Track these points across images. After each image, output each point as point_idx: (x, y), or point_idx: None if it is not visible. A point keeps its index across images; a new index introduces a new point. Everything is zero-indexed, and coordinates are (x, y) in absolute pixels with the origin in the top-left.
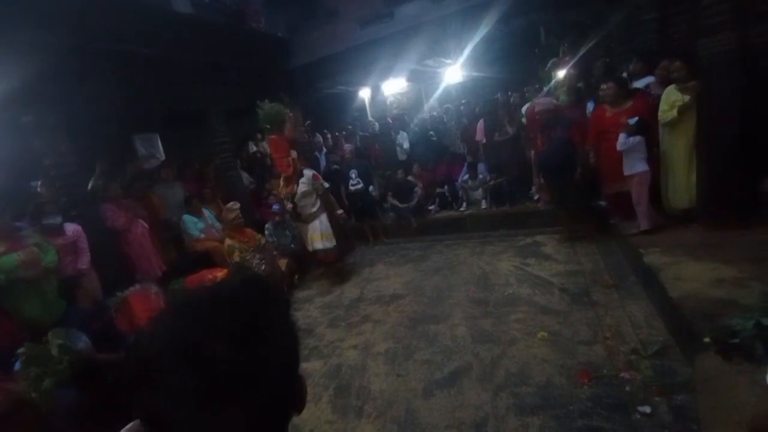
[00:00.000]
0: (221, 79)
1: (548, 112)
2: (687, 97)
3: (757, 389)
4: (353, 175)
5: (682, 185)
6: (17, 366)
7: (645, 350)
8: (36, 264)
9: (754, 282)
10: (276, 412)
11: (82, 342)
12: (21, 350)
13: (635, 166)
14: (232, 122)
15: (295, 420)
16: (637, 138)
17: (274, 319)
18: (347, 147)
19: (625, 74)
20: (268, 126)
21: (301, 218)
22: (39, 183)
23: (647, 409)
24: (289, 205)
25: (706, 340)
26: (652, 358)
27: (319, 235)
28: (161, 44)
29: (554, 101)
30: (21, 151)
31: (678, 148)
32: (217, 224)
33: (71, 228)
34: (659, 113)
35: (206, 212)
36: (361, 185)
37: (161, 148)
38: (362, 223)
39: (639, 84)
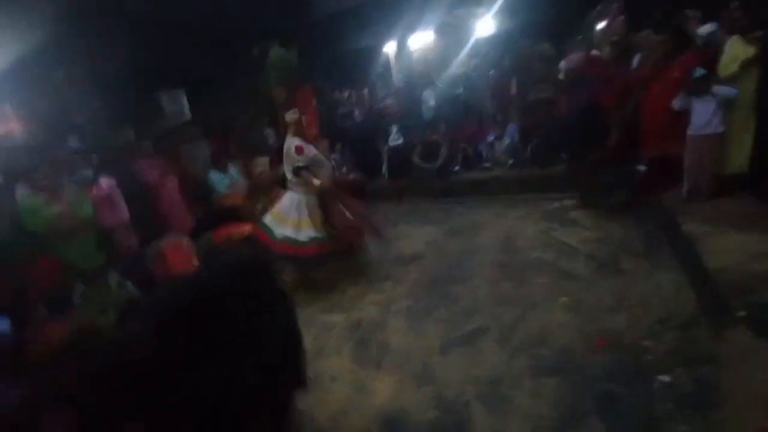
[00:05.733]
0: (242, 30)
1: (578, 69)
2: (752, 49)
3: None
4: (393, 131)
5: (735, 149)
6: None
7: (670, 321)
8: (73, 216)
9: None
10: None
11: (131, 289)
12: (79, 289)
13: (713, 125)
14: (252, 79)
15: (318, 367)
16: (726, 92)
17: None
18: (388, 101)
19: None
20: (280, 76)
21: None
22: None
23: (667, 379)
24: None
25: (741, 314)
26: (678, 329)
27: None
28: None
29: (589, 55)
30: (55, 108)
31: (733, 106)
32: (242, 180)
33: (105, 182)
34: (720, 66)
35: (232, 169)
36: (401, 141)
37: (187, 105)
38: (395, 180)
39: (702, 32)
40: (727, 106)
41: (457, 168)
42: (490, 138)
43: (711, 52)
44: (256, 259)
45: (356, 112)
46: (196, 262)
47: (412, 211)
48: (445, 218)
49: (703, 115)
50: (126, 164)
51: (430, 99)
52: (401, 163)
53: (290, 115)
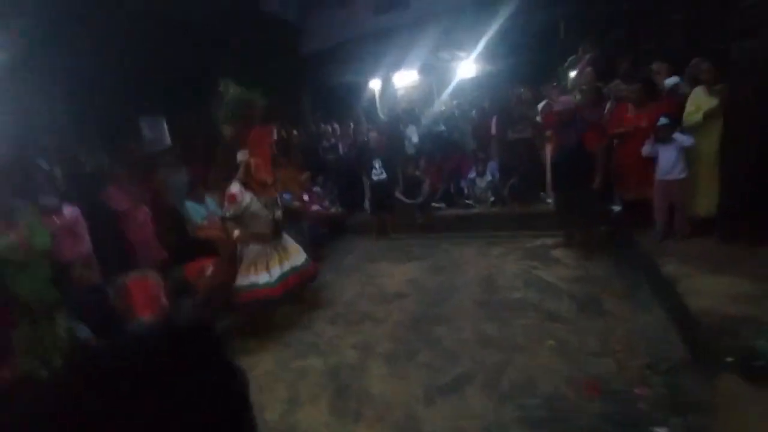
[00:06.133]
0: (228, 62)
1: (569, 112)
2: (714, 101)
3: None
4: (377, 165)
5: (702, 192)
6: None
7: (659, 365)
8: (25, 246)
9: None
10: None
11: (84, 332)
12: (18, 334)
13: (677, 171)
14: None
15: (292, 420)
16: (683, 140)
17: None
18: (373, 135)
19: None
20: (233, 115)
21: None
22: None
23: (663, 431)
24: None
25: (729, 359)
26: (667, 374)
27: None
28: (168, 16)
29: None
30: (21, 125)
31: (700, 153)
32: (219, 212)
33: (69, 210)
34: (684, 115)
35: (208, 200)
36: (384, 176)
37: (167, 132)
38: (376, 216)
39: (666, 84)
40: (687, 153)
41: (439, 204)
42: (472, 175)
43: (676, 102)
44: (199, 328)
45: (340, 146)
46: (165, 300)
47: (394, 248)
48: (427, 255)
49: (667, 162)
50: (96, 191)
51: (413, 135)
52: (384, 198)
53: (240, 156)
